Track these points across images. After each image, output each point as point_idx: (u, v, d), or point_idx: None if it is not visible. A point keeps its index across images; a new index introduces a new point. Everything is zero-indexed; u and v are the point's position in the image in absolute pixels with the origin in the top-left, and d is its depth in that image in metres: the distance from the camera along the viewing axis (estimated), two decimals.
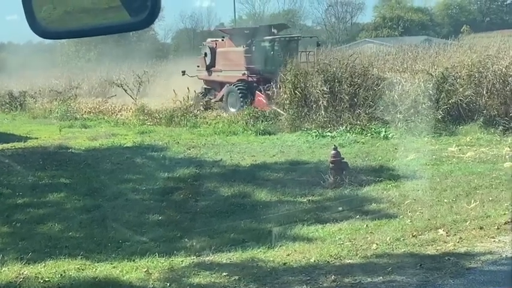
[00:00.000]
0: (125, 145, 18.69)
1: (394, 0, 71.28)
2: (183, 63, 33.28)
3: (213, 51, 27.89)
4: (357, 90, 20.86)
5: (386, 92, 20.50)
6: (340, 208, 11.33)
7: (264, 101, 23.78)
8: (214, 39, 29.50)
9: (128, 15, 2.02)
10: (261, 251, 8.93)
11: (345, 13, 74.52)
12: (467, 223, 9.77)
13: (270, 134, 20.29)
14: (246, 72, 25.79)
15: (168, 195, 12.75)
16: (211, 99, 27.38)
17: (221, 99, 26.77)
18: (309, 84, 21.63)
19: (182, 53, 44.43)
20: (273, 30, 27.55)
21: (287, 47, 26.50)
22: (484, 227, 9.49)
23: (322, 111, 20.76)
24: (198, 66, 28.67)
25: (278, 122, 21.56)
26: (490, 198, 11.10)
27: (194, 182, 13.77)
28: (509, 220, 9.81)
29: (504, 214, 10.12)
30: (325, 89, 20.99)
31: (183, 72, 28.21)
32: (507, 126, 18.19)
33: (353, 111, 20.35)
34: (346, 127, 19.64)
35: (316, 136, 18.95)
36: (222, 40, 28.43)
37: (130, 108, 26.57)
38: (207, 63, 27.81)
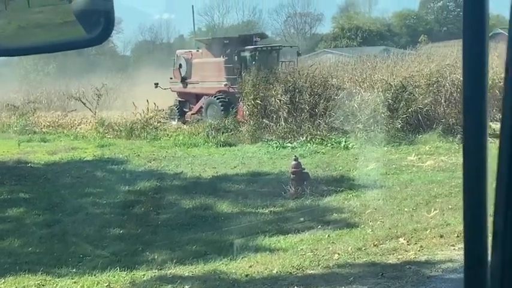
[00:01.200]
0: (85, 159, 18.51)
1: (353, 11, 71.87)
2: (144, 76, 33.12)
3: (189, 62, 27.32)
4: (317, 100, 20.95)
5: (346, 102, 20.64)
6: (302, 219, 11.35)
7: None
8: (188, 50, 29.12)
9: (84, 30, 1.99)
10: (223, 263, 8.90)
11: (304, 24, 74.88)
12: (427, 231, 9.86)
13: (230, 145, 20.27)
14: (227, 83, 25.11)
15: (129, 208, 12.66)
16: (186, 112, 27.07)
17: (198, 112, 26.25)
18: (269, 94, 21.65)
19: (142, 65, 44.18)
20: (255, 39, 27.13)
21: (268, 57, 26.13)
22: (444, 235, 9.59)
23: (283, 122, 20.82)
24: (171, 78, 28.07)
25: (239, 133, 21.54)
26: (450, 207, 11.21)
27: (155, 195, 13.70)
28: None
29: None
30: (285, 99, 21.06)
31: (156, 85, 27.71)
32: None
33: (313, 121, 20.43)
34: (306, 138, 19.71)
35: (276, 147, 18.98)
36: (198, 51, 28.04)
37: (90, 122, 26.32)
38: (182, 75, 27.21)
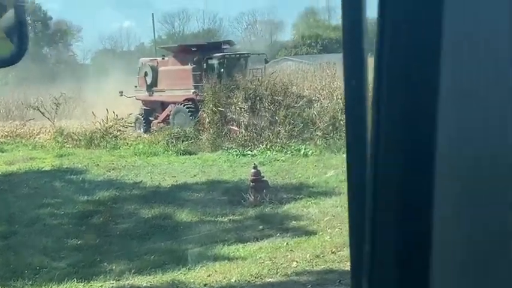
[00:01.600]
0: (43, 169, 18.31)
1: (312, 19, 72.31)
2: (105, 84, 32.92)
3: (155, 70, 26.91)
4: (277, 108, 21.01)
5: (306, 109, 20.78)
6: (261, 227, 11.37)
7: None
8: (154, 58, 28.83)
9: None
10: (181, 273, 8.89)
11: (264, 32, 75.19)
12: None
13: (190, 154, 20.22)
14: (195, 90, 24.69)
15: (87, 218, 12.56)
16: (152, 120, 26.85)
17: (165, 120, 25.87)
18: (230, 102, 21.67)
19: (102, 74, 43.93)
20: (223, 46, 26.94)
21: (237, 64, 25.90)
22: None
23: (243, 130, 20.85)
24: (136, 86, 27.76)
25: (199, 141, 21.52)
26: None
27: (114, 204, 13.62)
28: None
29: None
30: (245, 107, 21.10)
31: (121, 93, 27.52)
32: None
33: (273, 129, 20.46)
34: (266, 145, 19.73)
35: (236, 155, 18.99)
36: (164, 58, 27.67)
37: (49, 131, 26.05)
38: (148, 83, 26.77)
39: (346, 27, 1.13)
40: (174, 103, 25.35)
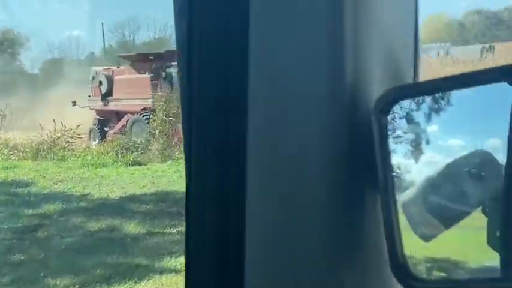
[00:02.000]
0: None
1: None
2: (54, 94, 32.46)
3: (110, 79, 26.35)
4: None
5: None
6: None
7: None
8: (108, 66, 28.26)
9: None
10: (127, 286, 8.73)
11: None
12: None
13: (140, 164, 19.99)
14: (154, 100, 24.02)
15: (32, 233, 12.26)
16: (107, 131, 26.25)
17: (120, 130, 25.15)
18: (180, 111, 21.43)
19: (51, 83, 43.37)
20: None
21: None
22: None
23: None
24: (89, 96, 27.21)
25: (149, 152, 21.28)
26: None
27: (60, 217, 13.34)
28: None
29: None
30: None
31: (74, 103, 27.01)
32: None
33: None
34: None
35: None
36: (119, 67, 27.16)
37: None
38: (103, 93, 26.14)
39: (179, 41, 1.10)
40: (132, 113, 24.92)
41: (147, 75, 24.99)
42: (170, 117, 21.45)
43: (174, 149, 20.80)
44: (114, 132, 25.59)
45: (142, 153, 21.21)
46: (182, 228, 12.01)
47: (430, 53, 60.55)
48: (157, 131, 21.86)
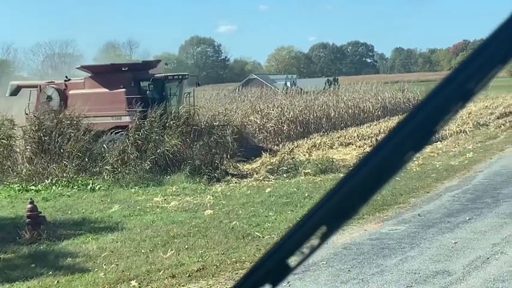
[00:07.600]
0: None
1: (113, 53, 71.79)
2: None
3: (63, 93, 23.20)
4: (65, 141, 20.04)
5: (95, 143, 20.23)
6: (33, 265, 10.71)
7: None
8: (51, 80, 25.06)
9: None
10: None
11: (63, 64, 73.59)
12: (160, 273, 9.75)
13: None
14: (128, 117, 21.63)
15: None
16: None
17: None
18: (13, 134, 20.59)
19: None
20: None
21: (174, 87, 23.84)
22: (177, 275, 9.57)
23: (27, 164, 19.83)
24: (26, 114, 22.90)
25: None
26: (186, 246, 11.22)
27: None
28: (201, 267, 9.93)
29: (197, 261, 10.26)
30: (31, 139, 20.14)
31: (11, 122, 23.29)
32: (211, 175, 18.71)
33: (60, 162, 19.55)
34: (51, 180, 18.74)
35: (19, 190, 17.95)
36: (70, 80, 24.08)
37: None
38: (54, 109, 22.06)
39: None
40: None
41: (119, 90, 22.45)
42: (4, 140, 20.41)
43: (7, 173, 19.77)
44: None
45: None
46: (5, 255, 11.42)
47: (276, 84, 62.05)
48: None
